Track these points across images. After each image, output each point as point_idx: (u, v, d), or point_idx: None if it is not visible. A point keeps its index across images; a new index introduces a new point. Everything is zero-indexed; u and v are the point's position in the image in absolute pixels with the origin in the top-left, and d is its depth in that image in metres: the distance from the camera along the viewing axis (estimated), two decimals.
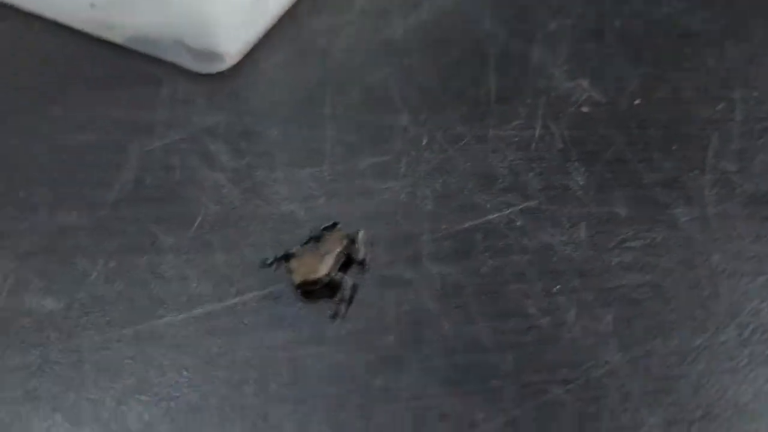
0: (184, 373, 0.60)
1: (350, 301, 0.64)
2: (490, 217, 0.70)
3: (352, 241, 0.67)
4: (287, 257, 0.66)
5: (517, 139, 0.77)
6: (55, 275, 0.66)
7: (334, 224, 0.69)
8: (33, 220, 0.70)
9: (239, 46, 0.85)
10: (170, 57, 0.84)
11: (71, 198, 0.72)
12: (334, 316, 0.63)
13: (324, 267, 0.64)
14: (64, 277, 0.66)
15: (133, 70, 0.84)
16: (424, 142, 0.77)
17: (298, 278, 0.63)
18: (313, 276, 0.63)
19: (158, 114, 0.79)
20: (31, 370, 0.60)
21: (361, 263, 0.67)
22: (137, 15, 0.82)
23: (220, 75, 0.83)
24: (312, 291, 0.64)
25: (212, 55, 0.82)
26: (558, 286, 0.65)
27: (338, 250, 0.66)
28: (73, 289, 0.65)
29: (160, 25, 0.82)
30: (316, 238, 0.68)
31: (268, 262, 0.67)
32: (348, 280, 0.65)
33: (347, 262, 0.67)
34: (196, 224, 0.69)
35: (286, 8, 0.90)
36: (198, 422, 0.57)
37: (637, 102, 0.80)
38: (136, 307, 0.64)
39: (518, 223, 0.69)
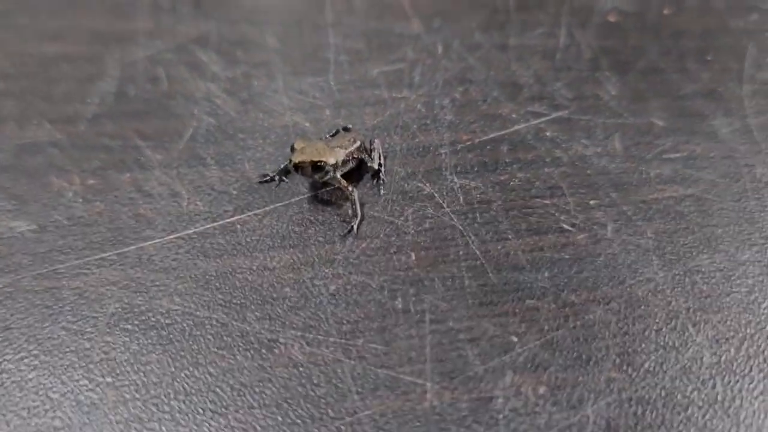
0: (176, 298, 0.52)
1: (362, 217, 0.57)
2: (517, 127, 0.64)
3: (366, 149, 0.60)
4: (289, 171, 0.59)
5: (540, 48, 0.71)
6: (25, 195, 0.59)
7: (347, 128, 0.63)
8: None
9: None
10: None
11: (42, 112, 0.65)
12: (347, 233, 0.56)
13: (332, 157, 0.57)
14: (36, 197, 0.58)
15: None
16: (440, 50, 0.70)
17: (299, 157, 0.56)
18: (317, 159, 0.56)
19: (139, 23, 0.72)
20: (1, 298, 0.52)
21: (376, 174, 0.60)
22: None
23: None
24: (308, 174, 0.57)
25: None
26: (594, 200, 0.59)
27: (351, 148, 0.59)
28: (47, 210, 0.58)
29: None
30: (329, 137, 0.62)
31: (269, 177, 0.60)
32: (356, 193, 0.58)
33: (358, 169, 0.60)
34: (186, 138, 0.62)
35: None
36: (193, 352, 0.50)
37: (666, 12, 0.75)
38: (119, 228, 0.56)
39: (548, 134, 0.63)
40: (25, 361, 0.49)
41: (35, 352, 0.50)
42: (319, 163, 0.56)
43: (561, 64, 0.69)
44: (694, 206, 0.59)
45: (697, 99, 0.67)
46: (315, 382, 0.48)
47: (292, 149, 0.57)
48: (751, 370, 0.50)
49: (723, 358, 0.50)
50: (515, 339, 0.51)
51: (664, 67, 0.70)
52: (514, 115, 0.65)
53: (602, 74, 0.69)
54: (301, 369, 0.49)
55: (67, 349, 0.50)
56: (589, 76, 0.69)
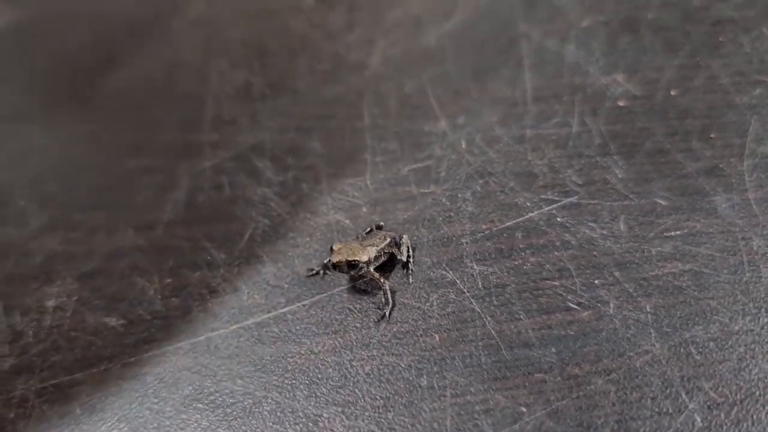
0: (239, 381, 0.62)
1: (394, 304, 0.66)
2: (531, 215, 0.71)
3: (397, 244, 0.69)
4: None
5: (555, 137, 0.78)
6: (115, 294, 0.69)
7: (380, 226, 0.72)
8: (91, 242, 0.74)
9: None
10: None
11: (126, 220, 0.76)
12: (380, 320, 0.65)
13: (365, 255, 0.65)
14: (123, 296, 0.69)
15: (178, 94, 0.89)
16: (464, 146, 0.78)
17: (336, 258, 0.65)
18: (351, 258, 0.64)
19: (204, 136, 0.83)
20: (96, 383, 0.63)
21: (405, 265, 0.68)
22: None
23: (261, 96, 0.87)
24: (345, 271, 0.65)
25: None
26: (599, 279, 0.65)
27: (382, 245, 0.67)
28: (133, 306, 0.68)
29: None
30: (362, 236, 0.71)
31: (314, 271, 0.69)
32: (387, 283, 0.66)
33: (390, 262, 0.69)
34: (245, 238, 0.72)
35: None
36: (253, 427, 0.59)
37: (674, 92, 0.81)
38: (191, 321, 0.67)
39: (559, 219, 0.70)
40: None
41: (125, 429, 0.60)
42: (353, 262, 0.64)
43: (573, 151, 0.76)
44: (692, 280, 0.65)
45: (699, 177, 0.72)
46: None
47: (331, 250, 0.66)
48: None
49: (713, 422, 0.56)
50: (524, 410, 0.58)
51: (669, 147, 0.75)
52: (528, 203, 0.72)
53: (610, 158, 0.75)
54: None
55: (150, 427, 0.60)
56: (598, 160, 0.75)
